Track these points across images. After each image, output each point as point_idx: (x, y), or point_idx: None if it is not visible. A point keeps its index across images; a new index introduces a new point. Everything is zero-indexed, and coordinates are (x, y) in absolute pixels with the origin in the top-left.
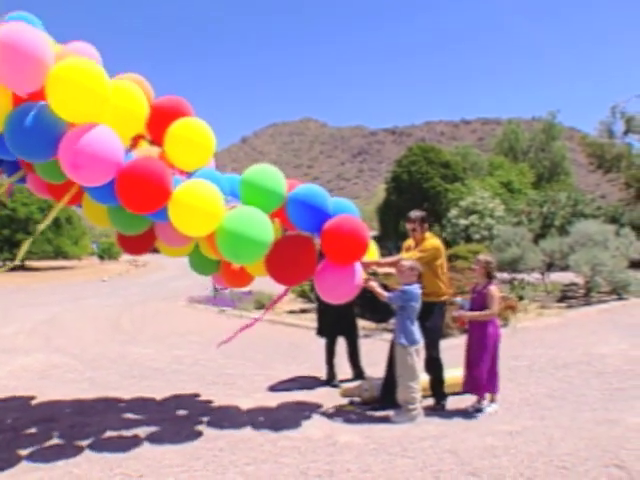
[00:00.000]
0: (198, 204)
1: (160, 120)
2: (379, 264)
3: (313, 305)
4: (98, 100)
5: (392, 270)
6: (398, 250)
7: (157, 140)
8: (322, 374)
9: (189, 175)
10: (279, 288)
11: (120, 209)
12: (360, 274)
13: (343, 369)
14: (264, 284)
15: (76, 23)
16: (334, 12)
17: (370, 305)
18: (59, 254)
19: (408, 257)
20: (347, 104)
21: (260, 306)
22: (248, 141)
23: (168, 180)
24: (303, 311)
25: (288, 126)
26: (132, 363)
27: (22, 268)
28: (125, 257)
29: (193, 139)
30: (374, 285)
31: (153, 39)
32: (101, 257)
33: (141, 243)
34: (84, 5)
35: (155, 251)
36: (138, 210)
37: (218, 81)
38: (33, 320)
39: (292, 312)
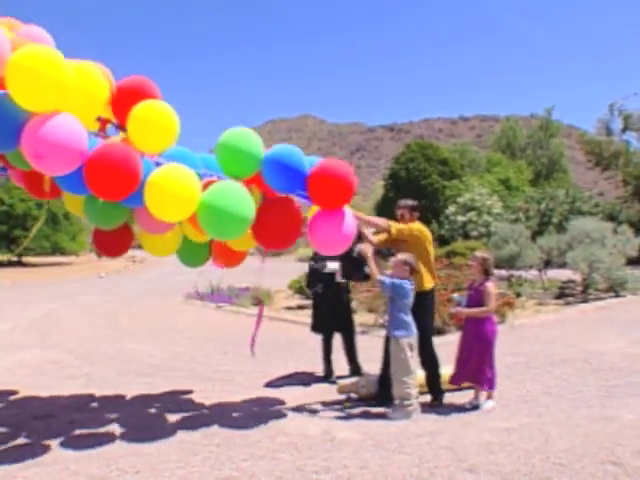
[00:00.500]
0: (174, 189)
1: (125, 100)
2: (368, 221)
3: (310, 301)
4: (58, 88)
5: (372, 238)
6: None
7: (123, 121)
8: (319, 370)
9: (159, 156)
10: (277, 284)
11: (94, 200)
12: (352, 221)
13: (340, 365)
14: (262, 280)
15: (80, 20)
16: (332, 9)
17: (355, 265)
18: (56, 250)
19: (394, 226)
20: (345, 101)
21: (258, 302)
22: None
23: (136, 162)
24: (300, 307)
25: (286, 122)
26: (129, 359)
27: (19, 264)
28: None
29: (156, 121)
30: (369, 254)
31: (152, 35)
32: (98, 253)
33: (117, 243)
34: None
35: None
36: (109, 196)
37: (216, 77)
38: (30, 316)
39: (289, 308)
